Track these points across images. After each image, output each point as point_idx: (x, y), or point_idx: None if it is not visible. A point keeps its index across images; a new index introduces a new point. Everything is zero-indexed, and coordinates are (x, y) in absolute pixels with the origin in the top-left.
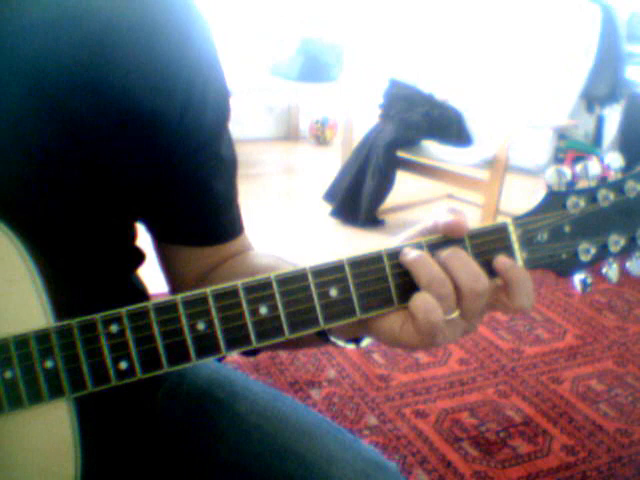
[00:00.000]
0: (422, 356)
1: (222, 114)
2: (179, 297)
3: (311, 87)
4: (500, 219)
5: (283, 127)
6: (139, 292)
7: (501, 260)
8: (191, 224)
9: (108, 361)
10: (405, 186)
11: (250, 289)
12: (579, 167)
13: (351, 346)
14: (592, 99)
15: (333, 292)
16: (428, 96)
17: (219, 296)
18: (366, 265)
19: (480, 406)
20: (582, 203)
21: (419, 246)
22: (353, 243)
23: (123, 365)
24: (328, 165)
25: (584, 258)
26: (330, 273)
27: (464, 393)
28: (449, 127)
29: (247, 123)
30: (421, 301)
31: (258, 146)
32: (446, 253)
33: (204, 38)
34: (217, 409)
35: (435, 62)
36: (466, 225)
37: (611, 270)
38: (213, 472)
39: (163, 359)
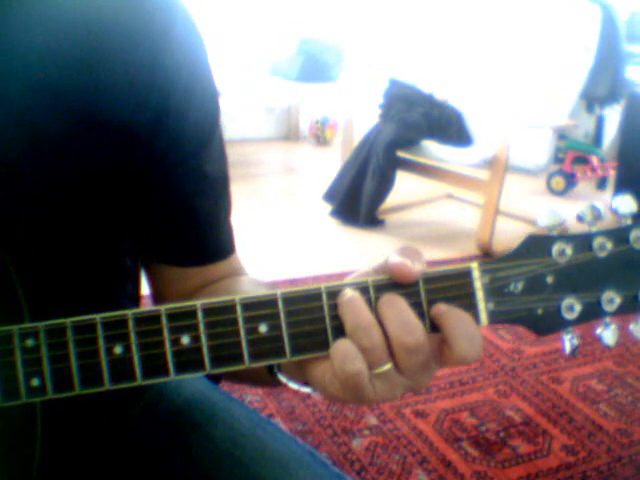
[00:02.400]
0: None
1: (206, 129)
2: (98, 317)
3: (311, 87)
4: (500, 219)
5: (283, 127)
6: (128, 306)
7: (435, 307)
8: (172, 243)
9: (20, 376)
10: (405, 186)
11: (173, 316)
12: (584, 210)
13: (306, 390)
14: (592, 99)
15: (262, 328)
16: (428, 96)
17: (140, 320)
18: (302, 302)
19: (480, 406)
20: (570, 251)
21: (364, 287)
22: (353, 243)
23: (35, 382)
24: (328, 165)
25: (568, 316)
26: (261, 307)
27: (464, 393)
28: (449, 127)
29: (247, 123)
30: (339, 348)
31: (258, 146)
32: (381, 299)
33: (188, 46)
34: (192, 432)
35: (435, 62)
36: (414, 270)
37: (608, 331)
38: None
39: (75, 380)
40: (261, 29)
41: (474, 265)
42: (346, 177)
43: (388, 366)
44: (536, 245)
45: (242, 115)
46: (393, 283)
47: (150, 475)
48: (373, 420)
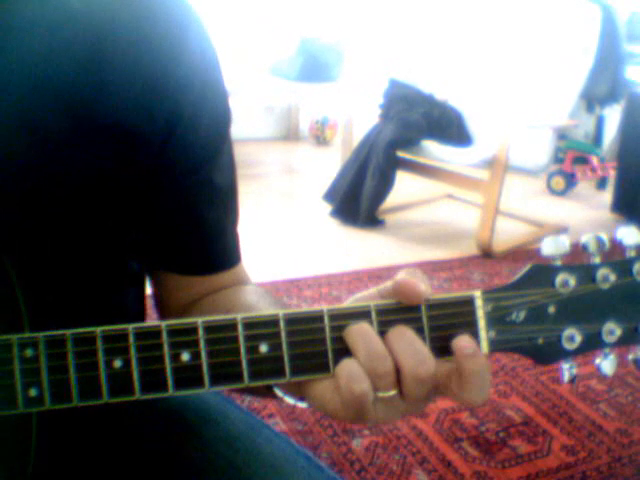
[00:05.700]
0: None
1: (217, 138)
2: (99, 330)
3: (311, 87)
4: (500, 219)
5: (283, 127)
6: (134, 313)
7: (462, 342)
8: (178, 251)
9: (18, 385)
10: (405, 186)
11: (174, 332)
12: (585, 238)
13: (302, 405)
14: (592, 99)
15: (263, 348)
16: (428, 96)
17: (141, 335)
18: (304, 323)
19: (480, 406)
20: (573, 282)
21: (367, 312)
22: (353, 243)
23: (33, 392)
24: (328, 165)
25: (568, 346)
26: (263, 327)
27: None
28: (449, 127)
29: (247, 123)
30: (345, 368)
31: (258, 146)
32: (391, 331)
33: (201, 57)
34: (185, 433)
35: (435, 62)
36: (420, 289)
37: (606, 361)
38: None
39: (74, 392)
40: (261, 29)
41: (477, 293)
42: (346, 177)
43: (394, 392)
44: (539, 275)
45: (242, 115)
46: (395, 308)
47: (145, 475)
48: None
